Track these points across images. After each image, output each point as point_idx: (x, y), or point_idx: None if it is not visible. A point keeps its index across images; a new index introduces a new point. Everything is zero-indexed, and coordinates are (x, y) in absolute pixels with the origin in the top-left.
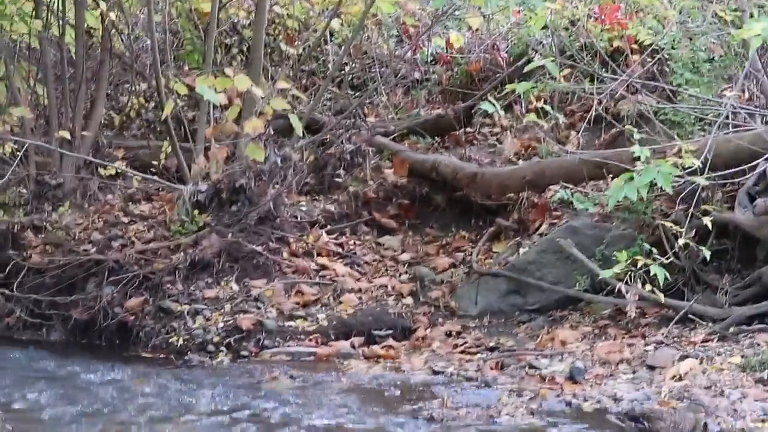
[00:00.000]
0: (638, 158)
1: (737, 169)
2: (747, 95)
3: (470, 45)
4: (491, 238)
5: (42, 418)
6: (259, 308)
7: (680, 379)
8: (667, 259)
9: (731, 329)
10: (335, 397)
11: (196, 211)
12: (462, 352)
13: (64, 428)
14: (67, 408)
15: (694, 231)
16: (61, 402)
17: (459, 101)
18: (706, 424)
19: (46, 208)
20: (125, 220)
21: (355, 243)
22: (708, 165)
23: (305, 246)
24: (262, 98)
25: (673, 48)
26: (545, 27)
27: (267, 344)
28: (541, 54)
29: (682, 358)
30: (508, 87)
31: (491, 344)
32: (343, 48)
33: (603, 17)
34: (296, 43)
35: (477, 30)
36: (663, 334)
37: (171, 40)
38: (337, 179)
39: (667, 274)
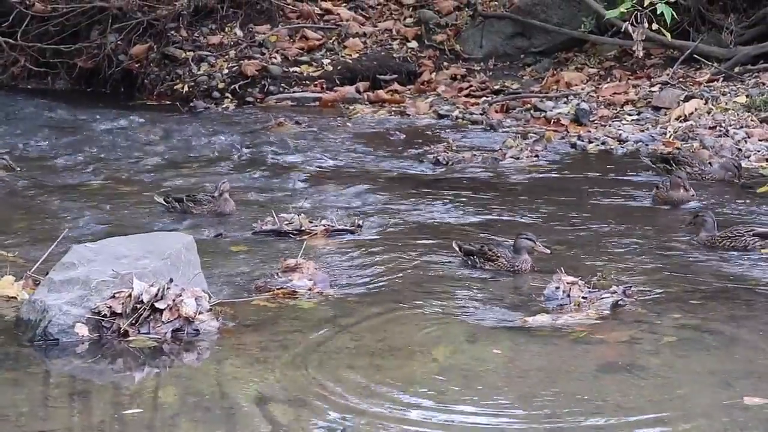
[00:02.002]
0: None
1: None
2: None
3: None
4: None
5: (52, 166)
6: (263, 54)
7: (685, 119)
8: None
9: (736, 69)
10: (341, 142)
11: None
12: (467, 95)
13: (73, 175)
14: (76, 156)
15: None
16: (69, 149)
17: None
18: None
19: None
20: None
21: None
22: None
23: None
24: None
25: None
26: None
27: (272, 90)
28: None
29: (687, 98)
30: None
31: (496, 87)
32: None
33: None
34: None
35: None
36: (668, 74)
37: None
38: None
39: (674, 13)
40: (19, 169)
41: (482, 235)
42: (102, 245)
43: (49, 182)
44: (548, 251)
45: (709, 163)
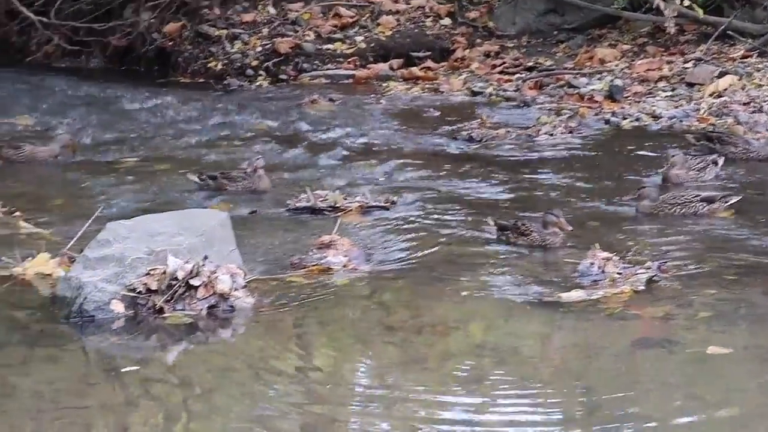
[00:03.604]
0: None
1: None
2: None
3: None
4: None
5: (86, 144)
6: (296, 31)
7: (719, 95)
8: None
9: None
10: (375, 119)
11: None
12: (500, 72)
13: (108, 153)
14: (110, 134)
15: None
16: (102, 128)
17: None
18: None
19: None
20: None
21: None
22: None
23: None
24: None
25: None
26: None
27: (305, 67)
28: None
29: (721, 74)
30: None
31: (530, 64)
32: None
33: None
34: None
35: None
36: (702, 50)
37: None
38: None
39: None
40: (89, 141)
41: (515, 211)
42: (137, 222)
43: (84, 160)
44: (570, 228)
45: (755, 140)
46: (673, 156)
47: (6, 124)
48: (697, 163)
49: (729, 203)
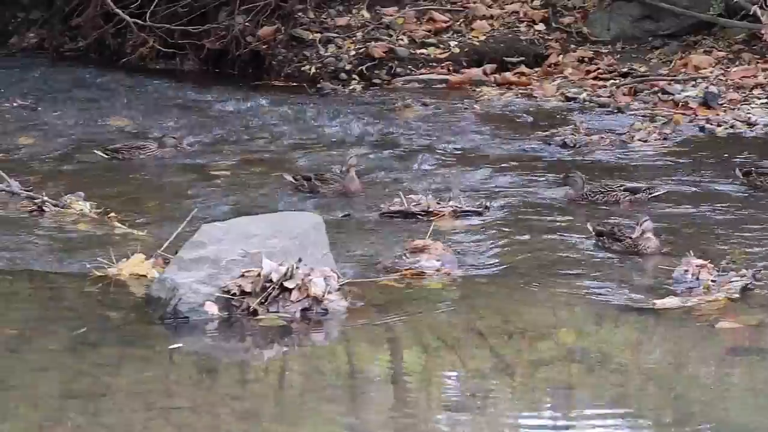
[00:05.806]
0: None
1: None
2: None
3: None
4: None
5: (181, 146)
6: (390, 36)
7: None
8: None
9: None
10: (468, 124)
11: None
12: (594, 78)
13: (202, 155)
14: (204, 136)
15: None
16: (196, 130)
17: None
18: None
19: None
20: None
21: None
22: None
23: None
24: None
25: None
26: None
27: (399, 72)
28: None
29: None
30: None
31: (624, 70)
32: None
33: None
34: None
35: None
36: None
37: None
38: None
39: None
40: (189, 148)
41: (608, 217)
42: (231, 224)
43: (179, 162)
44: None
45: None
46: None
47: (101, 126)
48: None
49: (653, 195)
